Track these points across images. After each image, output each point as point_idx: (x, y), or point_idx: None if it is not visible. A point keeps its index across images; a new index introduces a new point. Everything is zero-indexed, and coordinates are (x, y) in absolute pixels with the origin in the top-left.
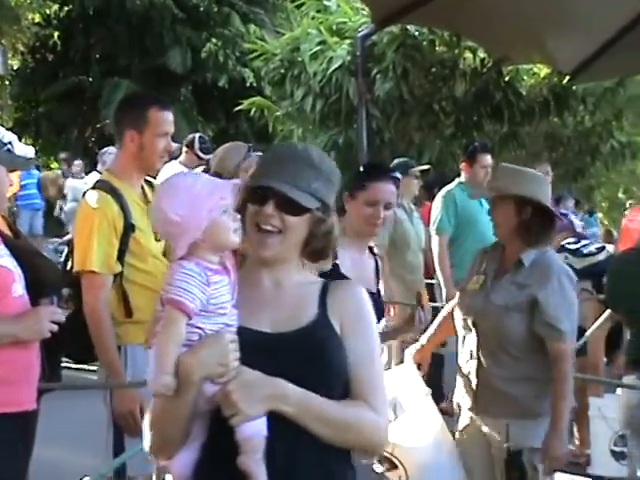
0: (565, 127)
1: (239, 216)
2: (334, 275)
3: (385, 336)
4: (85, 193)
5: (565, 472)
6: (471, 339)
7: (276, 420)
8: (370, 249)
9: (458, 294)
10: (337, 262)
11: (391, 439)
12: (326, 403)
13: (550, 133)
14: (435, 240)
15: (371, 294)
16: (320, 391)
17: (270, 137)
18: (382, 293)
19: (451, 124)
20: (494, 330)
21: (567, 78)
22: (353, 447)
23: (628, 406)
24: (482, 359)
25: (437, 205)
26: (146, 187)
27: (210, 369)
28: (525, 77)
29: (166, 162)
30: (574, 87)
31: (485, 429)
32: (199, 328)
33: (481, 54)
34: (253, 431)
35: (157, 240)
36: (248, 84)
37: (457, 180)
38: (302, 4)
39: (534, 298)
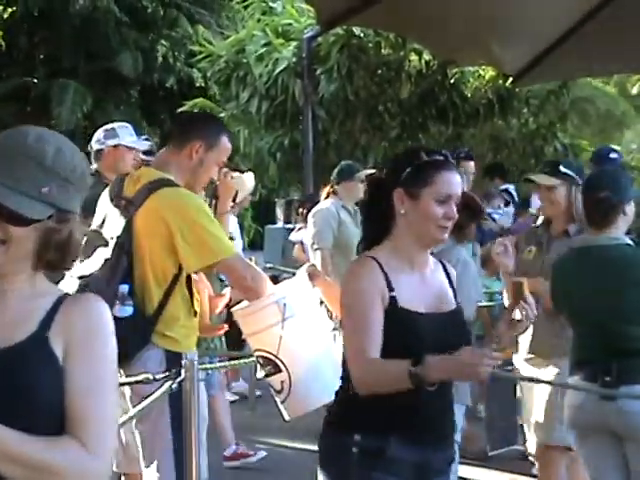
0: (509, 129)
1: None
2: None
3: None
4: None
5: (512, 472)
6: None
7: None
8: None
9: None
10: (394, 295)
11: (277, 341)
12: (25, 441)
13: (494, 135)
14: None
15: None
16: (19, 425)
17: None
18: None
19: (396, 126)
20: None
21: (511, 80)
22: None
23: (572, 407)
24: None
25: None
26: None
27: None
28: (470, 79)
29: None
30: (518, 89)
31: None
32: None
33: (426, 56)
34: None
35: None
36: (197, 85)
37: None
38: (248, 5)
39: None
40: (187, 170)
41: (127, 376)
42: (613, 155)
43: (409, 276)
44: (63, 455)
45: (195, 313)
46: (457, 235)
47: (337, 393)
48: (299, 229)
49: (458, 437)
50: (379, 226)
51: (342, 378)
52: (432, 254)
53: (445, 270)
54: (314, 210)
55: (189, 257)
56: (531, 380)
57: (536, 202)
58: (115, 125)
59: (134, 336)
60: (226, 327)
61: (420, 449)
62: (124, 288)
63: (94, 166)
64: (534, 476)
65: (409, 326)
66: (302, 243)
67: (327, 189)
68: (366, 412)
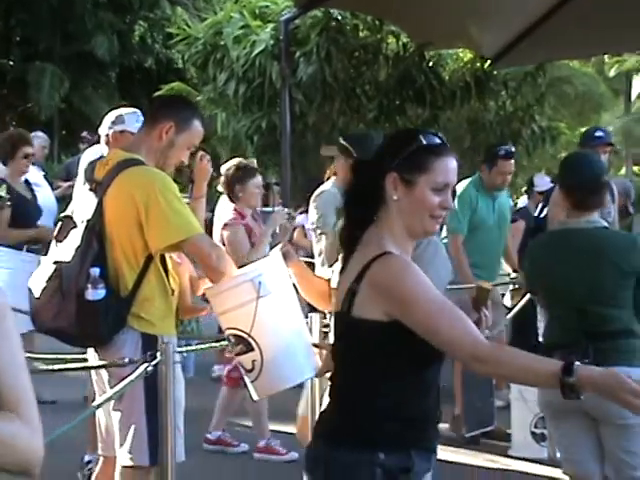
0: (487, 112)
1: None
2: None
3: None
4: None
5: (490, 453)
6: None
7: None
8: None
9: None
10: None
11: (251, 319)
12: None
13: (472, 118)
14: (450, 241)
15: None
16: None
17: None
18: None
19: (374, 108)
20: None
21: (489, 63)
22: (8, 468)
23: (545, 389)
24: None
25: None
26: None
27: None
28: (448, 61)
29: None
30: (495, 72)
31: None
32: None
33: (404, 39)
34: None
35: None
36: (175, 67)
37: (471, 178)
38: None
39: None
40: (157, 151)
41: (102, 359)
42: (599, 133)
43: None
44: (13, 429)
45: (172, 292)
46: None
47: (344, 403)
48: (301, 212)
49: None
50: (366, 211)
51: (352, 387)
52: None
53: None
54: (316, 193)
55: (153, 235)
56: None
57: (543, 181)
58: (123, 111)
59: (109, 319)
60: (207, 309)
61: (432, 456)
62: (95, 271)
63: (105, 150)
64: (510, 457)
65: None
66: (303, 227)
67: (329, 171)
68: (389, 427)
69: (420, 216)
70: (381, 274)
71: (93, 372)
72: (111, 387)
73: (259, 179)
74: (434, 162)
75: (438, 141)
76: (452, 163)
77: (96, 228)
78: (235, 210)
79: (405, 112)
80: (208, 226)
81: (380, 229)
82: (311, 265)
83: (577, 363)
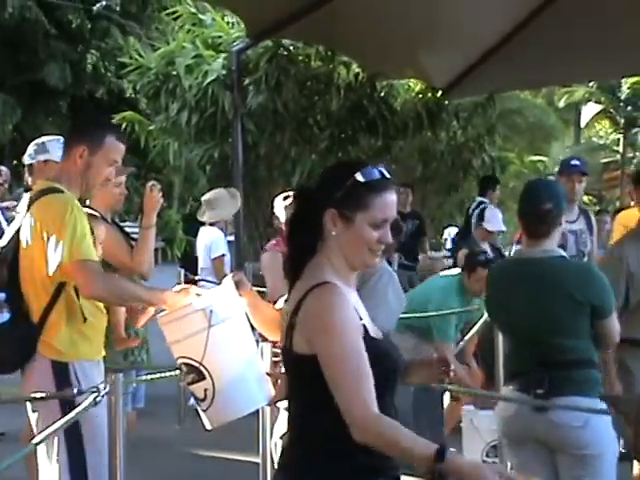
0: (438, 142)
1: None
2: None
3: None
4: (32, 200)
5: None
6: None
7: None
8: None
9: None
10: (364, 323)
11: (202, 348)
12: None
13: (424, 148)
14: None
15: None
16: None
17: (144, 152)
18: None
19: (326, 138)
20: None
21: (441, 94)
22: None
23: (505, 417)
24: None
25: None
26: None
27: None
28: (400, 91)
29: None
30: (447, 102)
31: None
32: None
33: (355, 69)
34: None
35: None
36: (127, 96)
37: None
38: (177, 17)
39: None
40: (77, 175)
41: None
42: (574, 162)
43: (355, 301)
44: None
45: (85, 320)
46: None
47: (301, 435)
48: None
49: None
50: (308, 241)
51: (305, 419)
52: None
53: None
54: None
55: (48, 261)
56: (465, 392)
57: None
58: (46, 139)
59: (16, 344)
60: (139, 340)
61: None
62: (1, 296)
63: (28, 180)
64: None
65: (381, 356)
66: None
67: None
68: (353, 458)
69: (359, 251)
70: (313, 303)
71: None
72: (36, 420)
73: None
74: (372, 199)
75: (377, 176)
76: (391, 198)
77: (8, 256)
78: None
79: (358, 142)
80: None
81: (321, 259)
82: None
83: (451, 450)
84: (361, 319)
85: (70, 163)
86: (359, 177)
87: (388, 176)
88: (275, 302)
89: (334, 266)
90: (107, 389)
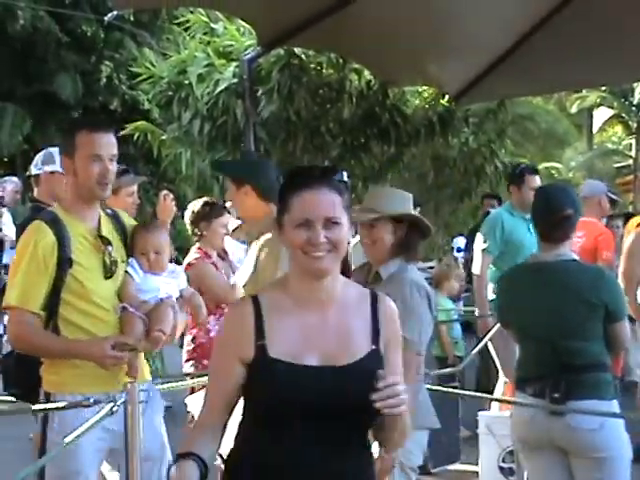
0: (450, 148)
1: None
2: None
3: None
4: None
5: None
6: None
7: None
8: None
9: None
10: (263, 343)
11: None
12: None
13: (436, 154)
14: (478, 260)
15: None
16: None
17: (157, 160)
18: None
19: (338, 146)
20: None
21: (451, 100)
22: None
23: (520, 422)
24: None
25: (484, 227)
26: (107, 221)
27: None
28: (410, 99)
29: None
30: (455, 108)
31: None
32: None
33: (367, 76)
34: None
35: (107, 278)
36: (141, 107)
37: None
38: (188, 27)
39: None
40: (74, 188)
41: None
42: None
43: (297, 319)
44: None
45: None
46: (405, 255)
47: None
48: None
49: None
50: None
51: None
52: (380, 280)
53: (374, 305)
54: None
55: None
56: (475, 396)
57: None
58: (53, 150)
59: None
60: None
61: None
62: None
63: (34, 191)
64: None
65: (281, 379)
66: None
67: None
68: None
69: (295, 255)
70: None
71: None
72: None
73: (226, 218)
74: (291, 199)
75: (302, 176)
76: (313, 197)
77: None
78: (199, 249)
79: (370, 150)
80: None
81: (284, 275)
82: None
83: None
84: (261, 338)
85: (68, 177)
86: (280, 179)
87: (317, 174)
88: None
89: (286, 281)
90: (123, 398)
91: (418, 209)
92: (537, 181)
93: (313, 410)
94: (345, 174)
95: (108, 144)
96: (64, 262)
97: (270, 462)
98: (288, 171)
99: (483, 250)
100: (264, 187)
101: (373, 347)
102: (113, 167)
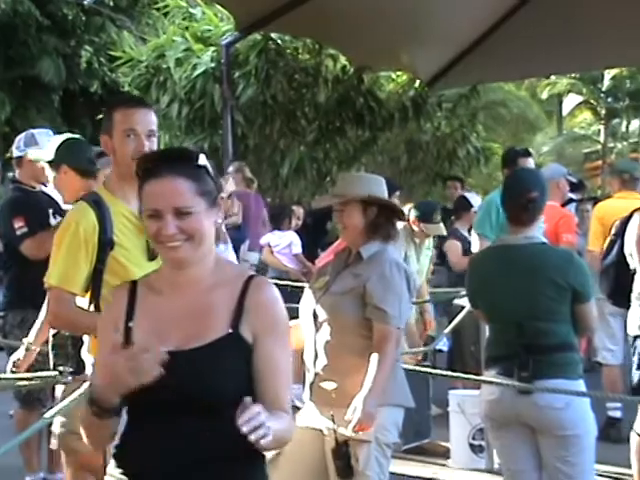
0: (423, 133)
1: None
2: None
3: None
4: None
5: (426, 464)
6: (313, 334)
7: None
8: None
9: (305, 294)
10: (131, 325)
11: None
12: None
13: (409, 139)
14: (476, 245)
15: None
16: None
17: None
18: None
19: (314, 130)
20: (330, 317)
21: (424, 86)
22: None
23: (489, 400)
24: (319, 351)
25: (480, 210)
26: None
27: None
28: (385, 84)
29: None
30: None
31: (318, 420)
32: None
33: (342, 61)
34: None
35: (150, 260)
36: (121, 90)
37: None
38: (168, 13)
39: (365, 284)
40: (114, 166)
41: None
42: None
43: (164, 303)
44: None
45: None
46: (382, 236)
47: None
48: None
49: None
50: None
51: None
52: (361, 260)
53: (245, 289)
54: None
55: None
56: (445, 375)
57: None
58: (35, 131)
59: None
60: None
61: None
62: None
63: (16, 172)
64: (449, 467)
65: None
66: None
67: None
68: None
69: (156, 247)
70: None
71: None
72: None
73: None
74: (142, 189)
75: (150, 163)
76: (157, 186)
77: None
78: None
79: (345, 134)
80: None
81: None
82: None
83: None
84: (130, 320)
85: (111, 156)
86: (139, 167)
87: (165, 160)
88: None
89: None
90: None
91: (398, 193)
92: (530, 163)
93: (167, 394)
94: (203, 156)
95: (144, 120)
96: (105, 244)
97: (129, 447)
98: (138, 158)
99: (479, 234)
100: (80, 165)
101: (230, 331)
102: (151, 144)
